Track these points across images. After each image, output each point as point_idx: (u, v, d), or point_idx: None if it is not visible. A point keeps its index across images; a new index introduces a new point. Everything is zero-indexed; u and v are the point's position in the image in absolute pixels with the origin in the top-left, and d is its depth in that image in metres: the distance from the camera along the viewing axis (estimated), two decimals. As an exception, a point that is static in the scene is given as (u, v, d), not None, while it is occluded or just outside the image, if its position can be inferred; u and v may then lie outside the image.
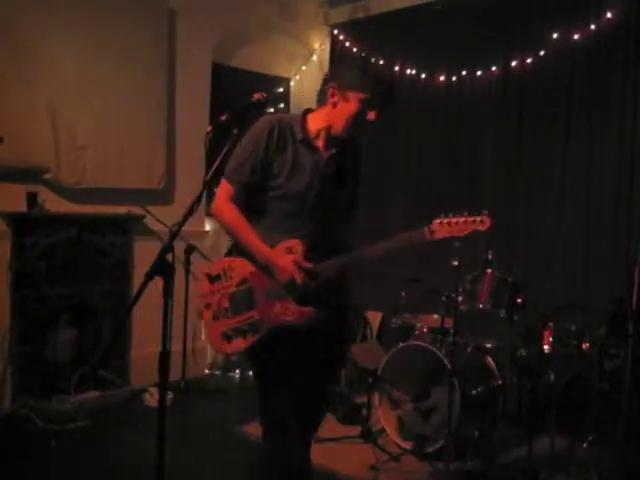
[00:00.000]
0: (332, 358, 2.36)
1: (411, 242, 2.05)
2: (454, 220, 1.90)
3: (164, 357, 1.75)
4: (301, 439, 2.24)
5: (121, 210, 4.43)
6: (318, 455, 3.35)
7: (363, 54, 5.33)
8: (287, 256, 2.09)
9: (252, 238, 2.14)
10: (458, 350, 3.34)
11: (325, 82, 2.20)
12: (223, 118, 1.97)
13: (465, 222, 1.88)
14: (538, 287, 4.11)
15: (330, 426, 3.69)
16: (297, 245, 2.11)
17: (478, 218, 1.86)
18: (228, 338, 2.16)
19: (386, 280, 4.35)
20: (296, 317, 2.08)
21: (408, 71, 5.08)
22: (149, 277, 1.68)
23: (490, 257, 3.75)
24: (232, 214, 2.18)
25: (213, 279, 2.21)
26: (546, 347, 3.52)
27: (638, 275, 2.92)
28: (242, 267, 2.18)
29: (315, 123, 2.20)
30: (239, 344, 2.14)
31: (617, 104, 4.05)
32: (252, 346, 2.14)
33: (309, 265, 2.08)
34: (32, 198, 3.96)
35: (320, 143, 2.20)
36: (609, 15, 4.01)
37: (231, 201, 2.17)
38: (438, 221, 1.94)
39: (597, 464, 3.17)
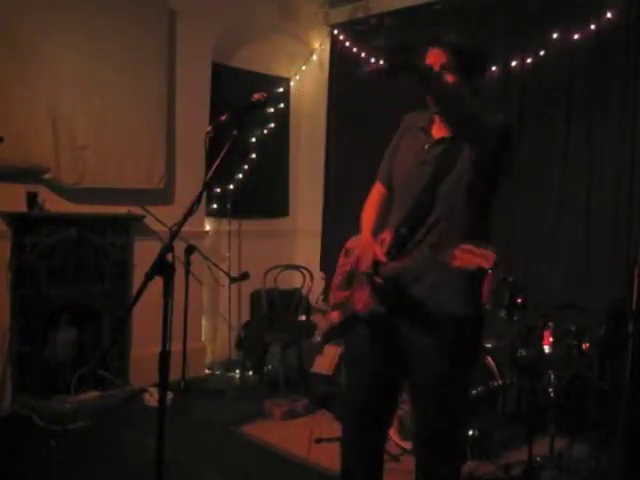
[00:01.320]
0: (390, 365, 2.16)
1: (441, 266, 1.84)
2: (469, 249, 1.74)
3: (164, 357, 1.75)
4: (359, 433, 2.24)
5: (121, 210, 4.43)
6: (318, 455, 3.36)
7: (363, 54, 5.33)
8: (373, 245, 2.06)
9: (364, 224, 2.24)
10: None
11: None
12: (223, 118, 1.97)
13: (476, 254, 1.74)
14: (538, 287, 4.11)
15: (330, 426, 3.69)
16: (387, 236, 2.04)
17: (485, 253, 1.73)
18: (332, 308, 2.24)
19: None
20: (361, 307, 2.07)
21: (408, 71, 5.07)
22: (149, 277, 1.69)
23: (490, 257, 3.74)
24: (368, 201, 2.32)
25: (347, 253, 2.27)
26: (546, 347, 3.52)
27: (638, 275, 2.92)
28: (358, 247, 2.22)
29: None
30: (335, 316, 2.21)
31: (617, 104, 4.05)
32: (341, 323, 2.18)
33: (383, 260, 1.99)
34: (32, 198, 3.96)
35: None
36: (609, 15, 4.01)
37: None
38: (462, 247, 1.75)
39: (597, 464, 3.17)
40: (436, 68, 2.00)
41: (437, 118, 2.11)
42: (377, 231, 2.19)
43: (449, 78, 2.01)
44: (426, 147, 2.10)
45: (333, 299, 2.25)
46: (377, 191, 2.32)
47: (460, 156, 2.01)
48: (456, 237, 1.89)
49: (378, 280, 2.01)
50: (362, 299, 2.06)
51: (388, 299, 2.03)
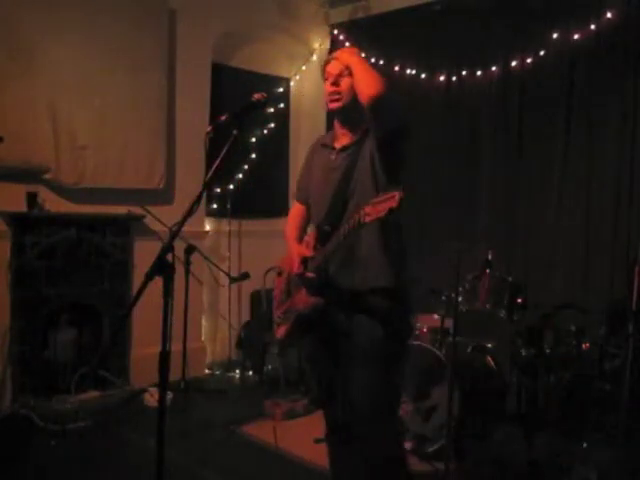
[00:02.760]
0: (342, 352, 2.30)
1: (355, 223, 2.03)
2: (376, 200, 1.90)
3: (164, 357, 1.75)
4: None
5: (121, 210, 4.43)
6: (318, 455, 3.36)
7: (363, 54, 5.32)
8: (299, 248, 2.28)
9: (288, 239, 2.43)
10: (458, 350, 3.34)
11: None
12: (223, 118, 1.97)
13: (383, 201, 1.88)
14: (538, 287, 4.12)
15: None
16: (311, 236, 2.27)
17: (389, 195, 1.87)
18: (277, 325, 2.39)
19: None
20: (303, 307, 2.21)
21: (408, 71, 5.07)
22: (149, 277, 1.68)
23: (490, 257, 3.75)
24: (289, 219, 2.55)
25: (280, 273, 2.47)
26: (546, 347, 3.52)
27: (638, 275, 2.92)
28: (286, 261, 2.41)
29: None
30: (281, 331, 2.37)
31: (617, 104, 4.05)
32: (287, 334, 2.34)
33: (308, 254, 2.21)
34: (32, 198, 3.96)
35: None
36: (609, 15, 4.01)
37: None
38: (370, 203, 1.92)
39: (597, 464, 3.17)
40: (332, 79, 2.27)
41: (339, 132, 2.35)
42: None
43: (350, 81, 2.24)
44: (332, 157, 2.34)
45: (277, 317, 2.41)
46: (296, 209, 2.56)
47: (362, 154, 2.25)
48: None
49: (309, 275, 2.19)
50: (301, 300, 2.24)
51: (323, 289, 2.20)
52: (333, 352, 2.31)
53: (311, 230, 2.40)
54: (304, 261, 2.22)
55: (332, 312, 2.24)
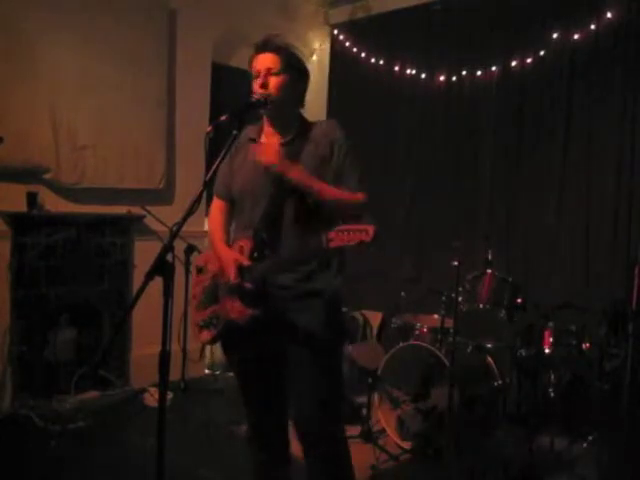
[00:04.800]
0: (278, 361, 2.22)
1: (311, 252, 1.98)
2: (346, 228, 1.81)
3: (164, 357, 1.75)
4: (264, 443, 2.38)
5: (121, 210, 4.43)
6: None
7: (363, 54, 5.33)
8: (233, 254, 2.12)
9: (214, 239, 2.27)
10: (458, 350, 3.34)
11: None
12: (223, 118, 1.97)
13: (354, 232, 1.80)
14: (538, 287, 4.12)
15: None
16: (246, 243, 2.12)
17: (362, 227, 1.79)
18: (200, 328, 2.25)
19: (386, 280, 4.36)
20: (237, 316, 2.08)
21: (408, 71, 5.08)
22: (149, 277, 1.68)
23: (490, 257, 3.75)
24: (211, 218, 2.39)
25: (199, 270, 2.31)
26: (546, 347, 3.52)
27: (638, 275, 2.92)
28: (214, 262, 2.24)
29: None
30: (206, 335, 2.22)
31: (617, 104, 4.05)
32: (214, 339, 2.21)
33: (246, 264, 2.06)
34: (32, 198, 3.96)
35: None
36: (609, 15, 4.02)
37: None
38: (338, 228, 1.82)
39: (597, 464, 3.17)
40: (264, 73, 2.12)
41: (267, 130, 2.21)
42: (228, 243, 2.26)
43: (279, 80, 2.11)
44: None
45: (198, 319, 2.25)
46: (217, 207, 2.36)
47: (301, 159, 2.10)
48: (318, 226, 1.93)
49: (247, 285, 2.05)
50: (235, 309, 2.08)
51: (260, 300, 2.07)
52: (266, 369, 2.25)
53: (235, 229, 2.26)
54: (240, 270, 2.06)
55: (266, 327, 2.10)
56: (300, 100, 2.23)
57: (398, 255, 4.87)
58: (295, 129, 2.18)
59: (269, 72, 2.11)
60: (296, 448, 2.38)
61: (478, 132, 4.74)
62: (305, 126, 2.20)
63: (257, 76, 2.13)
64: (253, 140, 2.21)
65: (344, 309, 2.86)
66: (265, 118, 2.21)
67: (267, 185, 2.13)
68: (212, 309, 2.20)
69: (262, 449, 2.39)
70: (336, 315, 2.22)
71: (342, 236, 1.80)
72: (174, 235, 1.81)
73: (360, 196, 2.10)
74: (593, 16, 4.09)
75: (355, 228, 1.79)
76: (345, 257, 2.31)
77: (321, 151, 2.13)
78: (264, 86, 2.10)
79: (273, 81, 2.11)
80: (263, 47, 2.16)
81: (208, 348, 5.21)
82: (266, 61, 2.13)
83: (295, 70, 2.19)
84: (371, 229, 1.77)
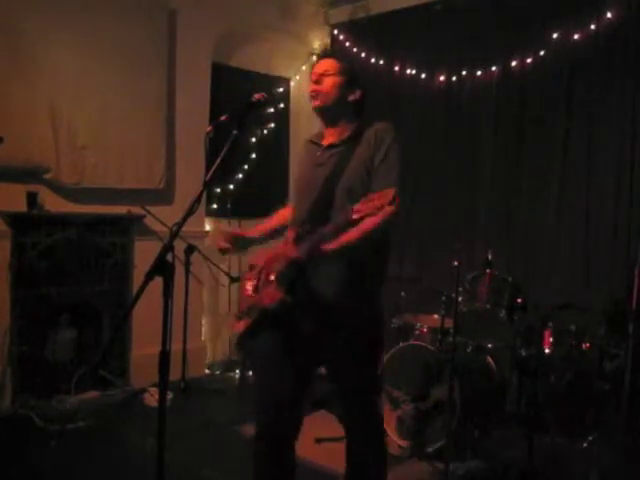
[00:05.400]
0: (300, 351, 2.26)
1: (342, 225, 2.02)
2: (368, 198, 1.88)
3: (164, 357, 1.75)
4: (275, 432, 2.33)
5: (121, 210, 4.43)
6: (318, 455, 3.36)
7: (363, 54, 5.33)
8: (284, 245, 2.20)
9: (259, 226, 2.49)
10: (458, 350, 3.34)
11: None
12: (223, 118, 1.97)
13: (373, 199, 1.86)
14: (538, 287, 4.11)
15: (330, 426, 3.69)
16: (291, 234, 2.18)
17: (381, 194, 1.85)
18: (237, 319, 2.26)
19: (386, 280, 4.35)
20: (269, 300, 2.10)
21: (408, 71, 5.07)
22: (149, 277, 1.68)
23: (490, 257, 3.75)
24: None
25: (251, 267, 2.33)
26: (546, 347, 3.52)
27: (638, 275, 2.92)
28: (260, 257, 2.28)
29: None
30: (239, 326, 2.23)
31: (617, 104, 4.05)
32: (247, 329, 2.21)
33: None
34: (32, 198, 3.96)
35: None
36: (609, 15, 4.01)
37: None
38: (360, 202, 1.90)
39: (597, 464, 3.17)
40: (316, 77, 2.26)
41: (325, 131, 2.34)
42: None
43: (332, 80, 2.25)
44: (318, 154, 2.31)
45: (239, 311, 2.29)
46: (285, 209, 2.50)
47: (353, 157, 2.20)
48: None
49: (299, 258, 2.06)
50: (269, 295, 2.12)
51: (293, 287, 2.09)
52: (291, 354, 2.26)
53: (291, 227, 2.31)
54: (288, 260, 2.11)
55: (300, 313, 2.16)
56: (355, 107, 2.32)
57: (398, 255, 4.87)
58: (350, 132, 2.28)
59: (326, 73, 2.26)
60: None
61: (478, 132, 4.74)
62: (361, 129, 2.29)
63: (314, 80, 2.27)
64: (314, 144, 2.36)
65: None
66: (320, 121, 2.34)
67: (317, 180, 2.23)
68: (252, 300, 2.24)
69: (270, 447, 2.35)
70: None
71: (363, 206, 1.86)
72: (174, 235, 1.81)
73: (389, 193, 2.03)
74: (593, 16, 4.09)
75: (376, 196, 1.84)
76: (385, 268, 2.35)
77: (372, 149, 2.22)
78: (317, 83, 2.25)
79: (327, 80, 2.25)
80: (324, 54, 2.41)
81: (208, 348, 5.22)
82: (324, 64, 2.29)
83: (350, 76, 2.30)
84: (390, 192, 1.80)
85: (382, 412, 2.45)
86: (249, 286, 2.30)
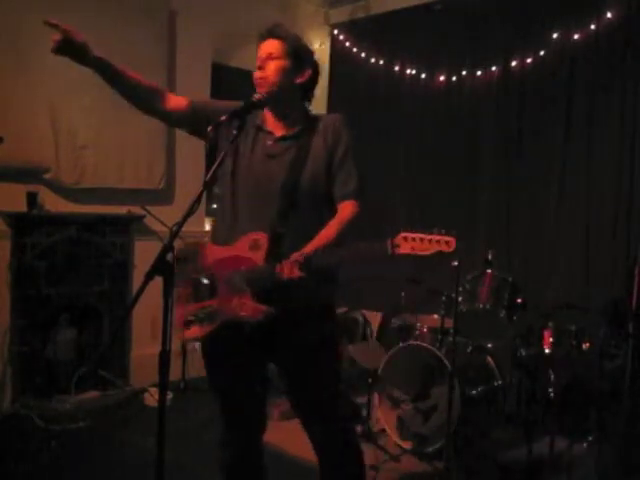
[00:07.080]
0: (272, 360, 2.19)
1: (372, 255, 1.81)
2: (420, 237, 1.70)
3: (164, 357, 1.75)
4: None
5: (121, 210, 4.43)
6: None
7: (363, 54, 5.33)
8: (246, 252, 2.00)
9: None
10: (458, 350, 3.34)
11: None
12: (223, 118, 1.97)
13: (430, 241, 1.70)
14: (538, 287, 4.12)
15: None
16: (262, 237, 1.98)
17: (445, 239, 1.69)
18: (187, 324, 2.10)
19: (386, 280, 4.36)
20: (250, 313, 1.94)
21: (408, 71, 5.08)
22: (149, 277, 1.68)
23: (490, 257, 3.75)
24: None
25: (181, 261, 2.16)
26: (546, 347, 3.52)
27: (638, 275, 2.92)
28: (210, 254, 2.12)
29: None
30: (195, 331, 2.09)
31: (617, 104, 4.05)
32: (206, 336, 2.08)
33: (301, 258, 1.90)
34: (32, 198, 3.96)
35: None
36: (609, 15, 4.02)
37: None
38: (403, 235, 1.72)
39: (597, 464, 3.17)
40: (263, 59, 2.04)
41: (270, 121, 2.12)
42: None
43: (277, 64, 2.02)
44: (269, 143, 2.09)
45: (186, 313, 2.10)
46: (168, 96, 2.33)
47: (311, 153, 2.04)
48: (318, 228, 1.95)
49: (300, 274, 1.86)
50: (247, 306, 1.94)
51: (274, 297, 1.93)
52: (251, 377, 2.24)
53: (231, 223, 2.15)
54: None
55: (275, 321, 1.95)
56: (304, 92, 2.15)
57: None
58: (301, 122, 2.10)
59: (270, 57, 2.04)
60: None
61: (478, 132, 4.74)
62: (311, 119, 2.13)
63: (257, 65, 2.06)
64: (260, 129, 2.12)
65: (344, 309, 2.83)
66: (266, 110, 2.12)
67: (272, 175, 2.04)
68: (207, 304, 2.07)
69: (237, 452, 2.36)
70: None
71: (414, 244, 1.69)
72: (174, 235, 1.81)
73: (351, 206, 2.02)
74: (593, 16, 4.09)
75: (435, 238, 1.68)
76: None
77: (329, 145, 2.07)
78: (261, 69, 2.04)
79: (271, 65, 2.03)
80: (267, 34, 2.07)
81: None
82: (268, 47, 2.05)
83: (298, 58, 2.07)
84: (454, 241, 1.67)
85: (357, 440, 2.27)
86: (185, 283, 2.13)
